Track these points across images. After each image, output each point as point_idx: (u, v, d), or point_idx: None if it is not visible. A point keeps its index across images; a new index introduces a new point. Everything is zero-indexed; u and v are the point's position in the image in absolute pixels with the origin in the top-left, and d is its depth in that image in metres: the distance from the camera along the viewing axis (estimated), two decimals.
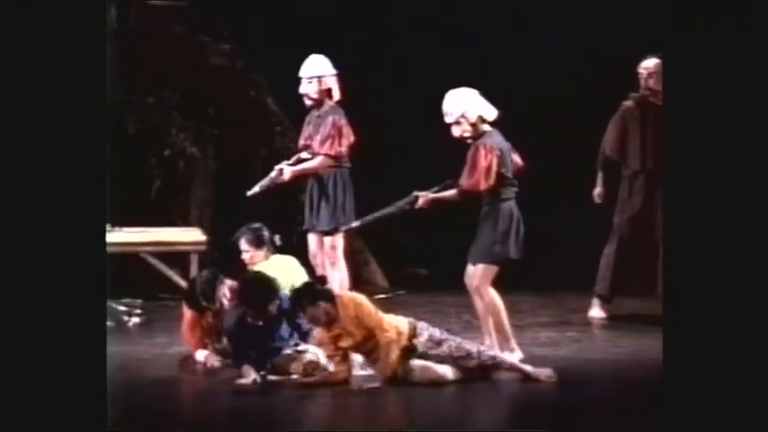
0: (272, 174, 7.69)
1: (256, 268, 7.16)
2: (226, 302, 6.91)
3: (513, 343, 7.01)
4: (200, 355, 6.94)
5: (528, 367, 6.55)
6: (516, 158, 7.06)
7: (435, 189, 7.00)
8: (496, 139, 6.92)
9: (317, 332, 6.62)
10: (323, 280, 6.77)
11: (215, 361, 6.89)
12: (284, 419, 6.00)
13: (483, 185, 6.81)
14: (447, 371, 6.43)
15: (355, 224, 7.41)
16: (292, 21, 9.90)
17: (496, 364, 6.55)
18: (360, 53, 9.13)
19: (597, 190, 8.64)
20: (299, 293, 6.58)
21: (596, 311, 8.63)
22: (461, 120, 6.87)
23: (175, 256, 9.07)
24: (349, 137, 7.66)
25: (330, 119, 7.65)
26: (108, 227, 9.14)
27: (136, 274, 8.90)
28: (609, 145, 8.57)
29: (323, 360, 6.57)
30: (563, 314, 8.75)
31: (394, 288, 9.95)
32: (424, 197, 6.96)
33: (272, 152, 9.87)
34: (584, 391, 6.45)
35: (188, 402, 6.56)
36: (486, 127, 6.91)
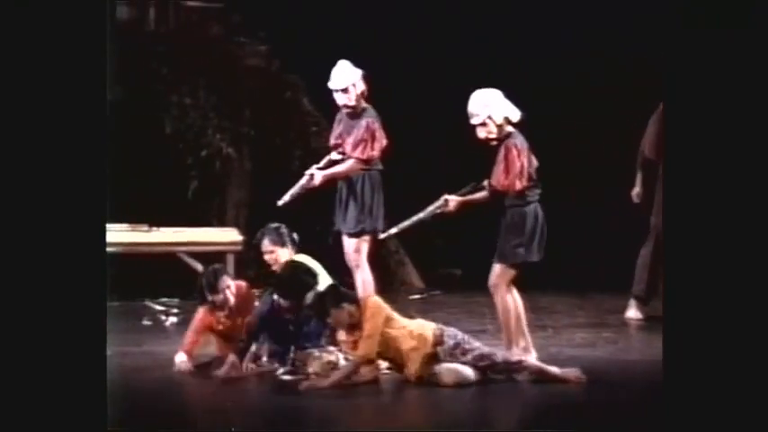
0: (303, 180, 7.58)
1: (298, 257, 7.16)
2: (231, 297, 6.92)
3: (529, 344, 6.97)
4: (178, 357, 6.90)
5: (554, 369, 6.52)
6: (533, 158, 7.04)
7: (463, 191, 6.99)
8: (522, 140, 6.90)
9: (339, 335, 6.61)
10: (348, 282, 6.76)
11: (185, 368, 6.84)
12: (289, 419, 5.97)
13: (519, 186, 6.80)
14: (470, 372, 6.43)
15: (393, 231, 7.38)
16: (328, 21, 9.93)
17: (522, 369, 6.52)
18: (388, 53, 9.16)
19: (636, 190, 8.60)
20: (323, 295, 6.58)
21: (633, 312, 8.59)
22: (488, 121, 6.83)
23: (212, 256, 9.12)
24: (382, 140, 7.57)
25: (364, 122, 7.56)
26: (146, 227, 9.27)
27: (173, 273, 8.96)
28: (647, 145, 8.53)
29: (342, 362, 6.57)
30: (599, 315, 8.72)
31: (429, 288, 9.96)
32: (454, 200, 6.96)
33: (308, 152, 9.90)
34: (620, 391, 6.43)
35: (193, 402, 6.55)
36: (509, 128, 6.90)
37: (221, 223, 10.06)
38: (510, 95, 6.92)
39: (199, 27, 10.36)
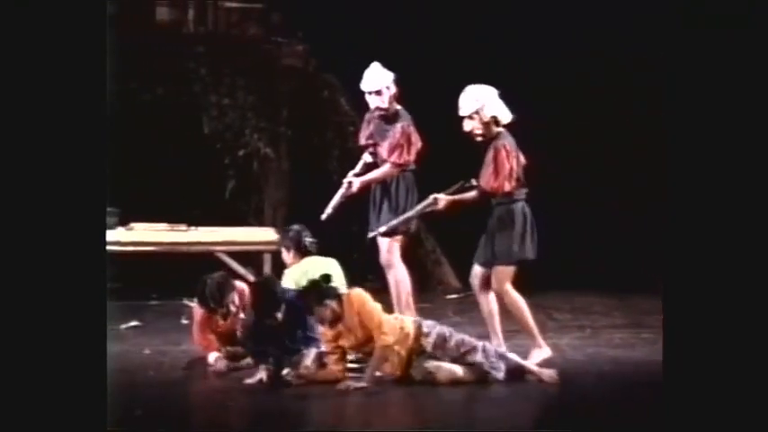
0: (342, 189, 7.58)
1: (290, 270, 7.18)
2: (233, 308, 6.92)
3: (541, 340, 6.98)
4: (212, 357, 6.94)
5: (534, 367, 6.54)
6: (521, 158, 7.05)
7: (452, 190, 7.04)
8: (511, 141, 6.94)
9: (321, 330, 6.62)
10: (327, 278, 6.67)
11: (222, 365, 6.89)
12: (285, 419, 5.96)
13: (508, 187, 6.85)
14: (461, 370, 6.43)
15: (382, 229, 7.42)
16: (365, 21, 9.95)
17: (503, 361, 6.51)
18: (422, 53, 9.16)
19: None
20: (305, 293, 6.59)
21: None
22: (475, 115, 6.89)
23: (249, 256, 9.16)
24: (417, 143, 7.55)
25: (399, 126, 7.53)
26: (184, 227, 9.32)
27: (211, 272, 8.99)
28: None
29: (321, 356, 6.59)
30: (637, 316, 8.68)
31: (466, 288, 9.94)
32: (443, 199, 7.01)
33: (345, 152, 9.92)
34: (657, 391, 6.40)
35: (195, 403, 6.55)
36: (498, 129, 6.92)
37: (259, 223, 10.10)
38: (511, 95, 6.93)
39: (237, 28, 10.41)
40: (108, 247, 9.20)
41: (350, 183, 7.58)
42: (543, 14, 10.00)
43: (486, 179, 6.87)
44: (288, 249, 7.33)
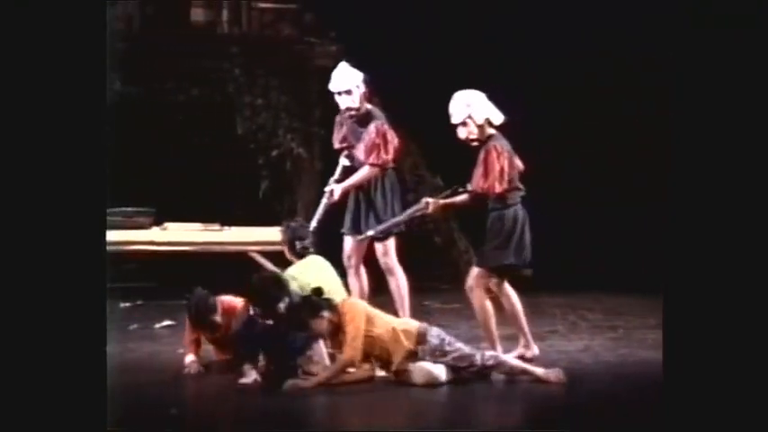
0: (324, 199, 7.52)
1: (287, 271, 7.10)
2: (217, 322, 6.92)
3: (498, 346, 6.98)
4: (187, 359, 6.95)
5: (538, 369, 6.52)
6: (518, 162, 7.04)
7: (444, 194, 7.06)
8: (503, 142, 6.93)
9: (327, 339, 6.58)
10: (319, 291, 6.61)
11: (195, 369, 6.88)
12: (285, 419, 5.99)
13: (498, 188, 6.84)
14: (441, 371, 6.42)
15: (369, 233, 7.38)
16: (398, 21, 9.96)
17: (502, 370, 6.52)
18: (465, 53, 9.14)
19: None
20: (299, 308, 6.53)
21: None
22: (468, 121, 6.89)
23: (283, 256, 9.18)
24: (394, 142, 7.45)
25: (373, 126, 7.42)
26: (217, 226, 9.36)
27: (245, 272, 9.03)
28: None
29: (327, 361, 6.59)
30: None
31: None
32: (434, 203, 7.01)
33: None
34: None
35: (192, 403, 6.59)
36: (491, 130, 6.91)
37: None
38: (517, 95, 6.94)
39: (271, 28, 10.45)
40: (142, 247, 9.34)
41: (331, 191, 7.49)
42: (550, 14, 9.98)
43: (477, 180, 6.87)
44: (283, 245, 7.24)
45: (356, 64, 10.46)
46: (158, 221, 9.58)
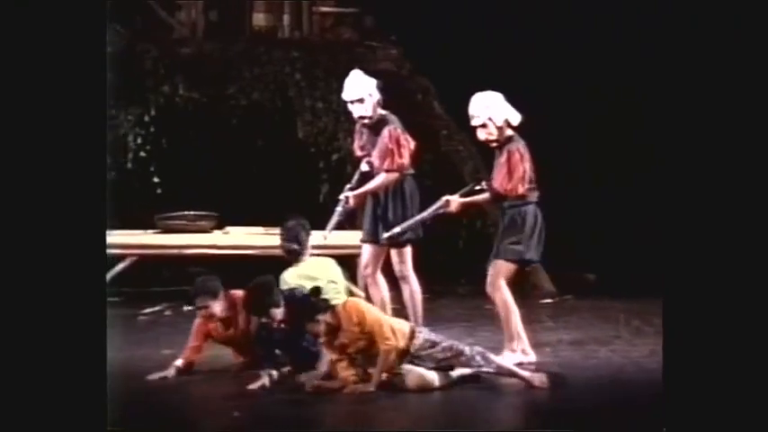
0: (338, 208, 7.42)
1: (286, 272, 7.02)
2: (217, 311, 6.85)
3: (515, 345, 6.93)
4: (177, 362, 6.87)
5: (524, 372, 6.47)
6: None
7: (464, 192, 7.05)
8: (523, 144, 6.95)
9: (323, 341, 6.50)
10: (317, 291, 6.51)
11: (172, 374, 6.78)
12: (284, 422, 5.97)
13: (521, 189, 6.88)
14: (434, 377, 6.36)
15: (388, 234, 7.31)
16: (458, 24, 9.93)
17: (489, 367, 6.44)
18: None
19: None
20: (296, 311, 6.46)
21: None
22: (488, 123, 6.92)
23: (343, 259, 9.18)
24: (408, 145, 7.37)
25: (386, 131, 7.34)
26: (278, 230, 9.38)
27: None
28: None
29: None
30: None
31: (561, 293, 9.86)
32: (455, 201, 6.98)
33: (439, 155, 9.92)
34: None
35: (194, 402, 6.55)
36: (509, 131, 6.93)
37: (352, 227, 10.12)
38: (524, 96, 6.91)
39: (332, 32, 10.47)
40: (205, 251, 9.38)
41: (346, 198, 7.40)
42: (553, 15, 9.91)
43: (500, 181, 6.89)
44: (287, 247, 7.13)
45: (416, 66, 10.51)
46: (220, 225, 9.64)
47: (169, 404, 6.27)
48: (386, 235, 7.31)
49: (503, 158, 6.92)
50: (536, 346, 7.25)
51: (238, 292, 6.99)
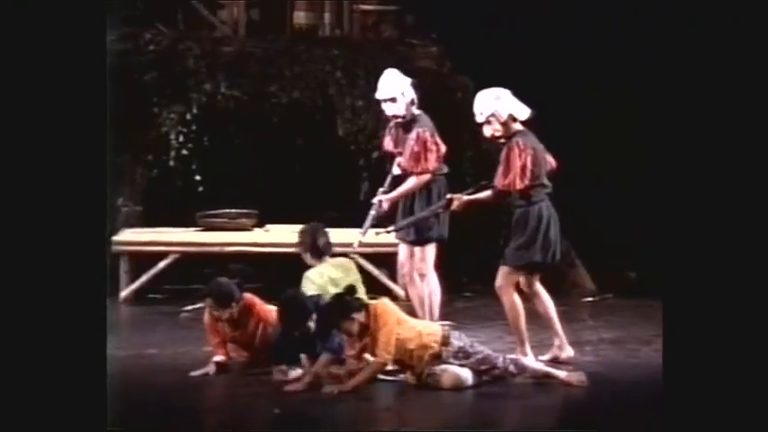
0: (372, 211, 7.46)
1: (309, 273, 7.04)
2: (234, 313, 6.84)
3: (528, 349, 6.93)
4: (216, 358, 6.89)
5: (560, 372, 6.47)
6: (550, 159, 6.96)
7: (470, 191, 7.02)
8: (529, 139, 6.87)
9: (347, 341, 6.53)
10: (352, 290, 6.55)
11: (211, 370, 6.81)
12: (291, 421, 5.96)
13: (519, 185, 6.78)
14: (468, 375, 6.37)
15: (390, 229, 7.35)
16: (499, 22, 9.90)
17: (525, 374, 6.47)
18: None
19: None
20: (330, 309, 6.48)
21: None
22: (491, 119, 6.87)
23: (383, 258, 9.21)
24: (436, 149, 7.35)
25: (414, 133, 7.35)
26: None
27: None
28: None
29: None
30: None
31: (602, 291, 9.83)
32: (458, 199, 6.96)
33: (479, 154, 9.89)
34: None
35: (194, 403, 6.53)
36: (517, 126, 6.86)
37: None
38: (524, 96, 6.87)
39: (372, 30, 10.48)
40: (246, 248, 9.41)
41: (380, 202, 7.41)
42: (550, 13, 9.84)
43: (498, 177, 6.85)
44: (305, 250, 7.15)
45: (456, 64, 10.49)
46: (261, 223, 9.68)
47: (169, 404, 6.29)
48: (390, 229, 7.37)
49: (502, 154, 6.88)
50: (576, 344, 7.24)
51: (254, 298, 7.00)
